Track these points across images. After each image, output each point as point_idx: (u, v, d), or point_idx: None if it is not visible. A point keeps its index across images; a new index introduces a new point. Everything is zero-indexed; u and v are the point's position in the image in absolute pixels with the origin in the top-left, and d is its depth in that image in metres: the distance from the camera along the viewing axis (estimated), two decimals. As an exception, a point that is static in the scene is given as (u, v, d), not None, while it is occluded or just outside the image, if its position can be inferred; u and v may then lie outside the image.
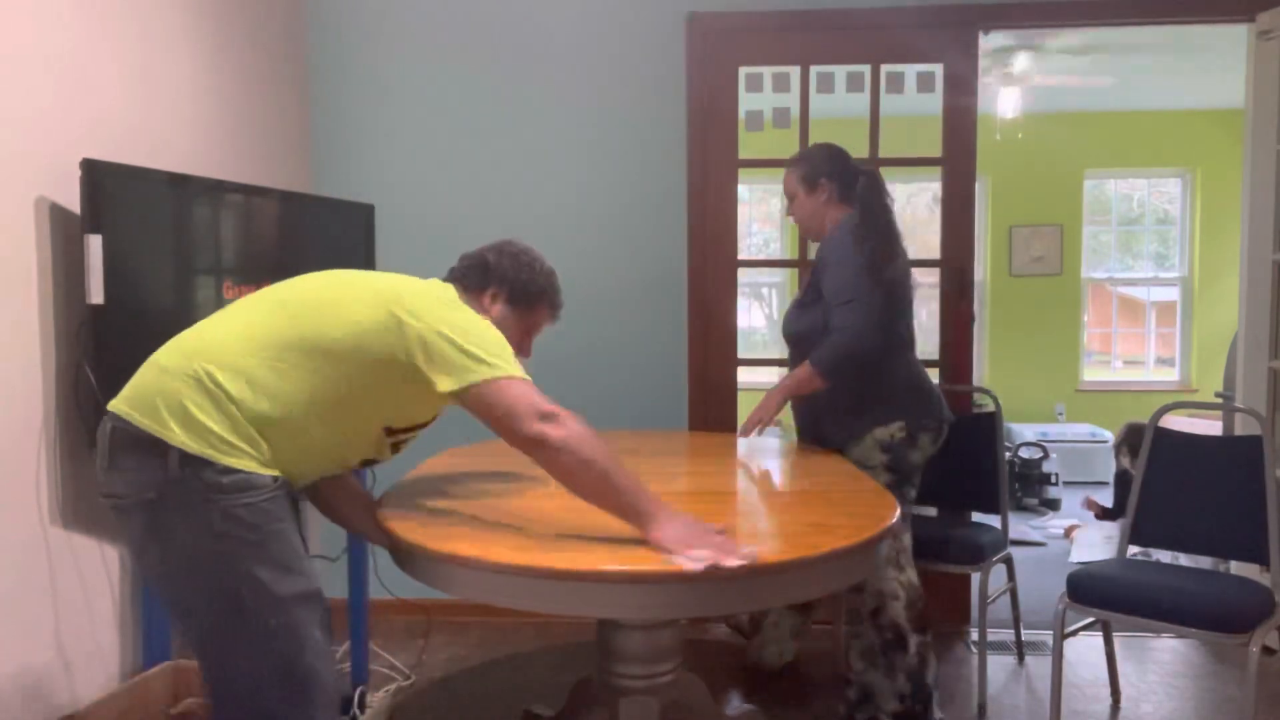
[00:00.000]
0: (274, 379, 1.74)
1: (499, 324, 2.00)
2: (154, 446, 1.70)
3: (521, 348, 2.11)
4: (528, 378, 1.81)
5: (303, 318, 1.80)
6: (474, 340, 1.79)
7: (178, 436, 1.69)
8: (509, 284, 2.07)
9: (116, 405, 1.76)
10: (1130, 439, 5.00)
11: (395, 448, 1.96)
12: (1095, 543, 5.06)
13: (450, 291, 1.96)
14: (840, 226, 2.79)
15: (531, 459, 1.76)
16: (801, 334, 2.82)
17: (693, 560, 1.59)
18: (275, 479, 1.75)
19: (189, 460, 1.69)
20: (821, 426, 2.83)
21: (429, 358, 1.77)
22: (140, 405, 1.73)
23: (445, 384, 1.76)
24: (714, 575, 1.58)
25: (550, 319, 2.16)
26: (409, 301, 1.82)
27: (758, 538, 1.76)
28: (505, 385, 1.76)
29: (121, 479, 1.74)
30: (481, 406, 1.77)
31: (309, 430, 1.78)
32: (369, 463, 1.99)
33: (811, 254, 3.05)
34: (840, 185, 2.85)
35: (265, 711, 1.75)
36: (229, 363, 1.74)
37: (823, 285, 2.74)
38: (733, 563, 1.59)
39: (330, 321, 1.79)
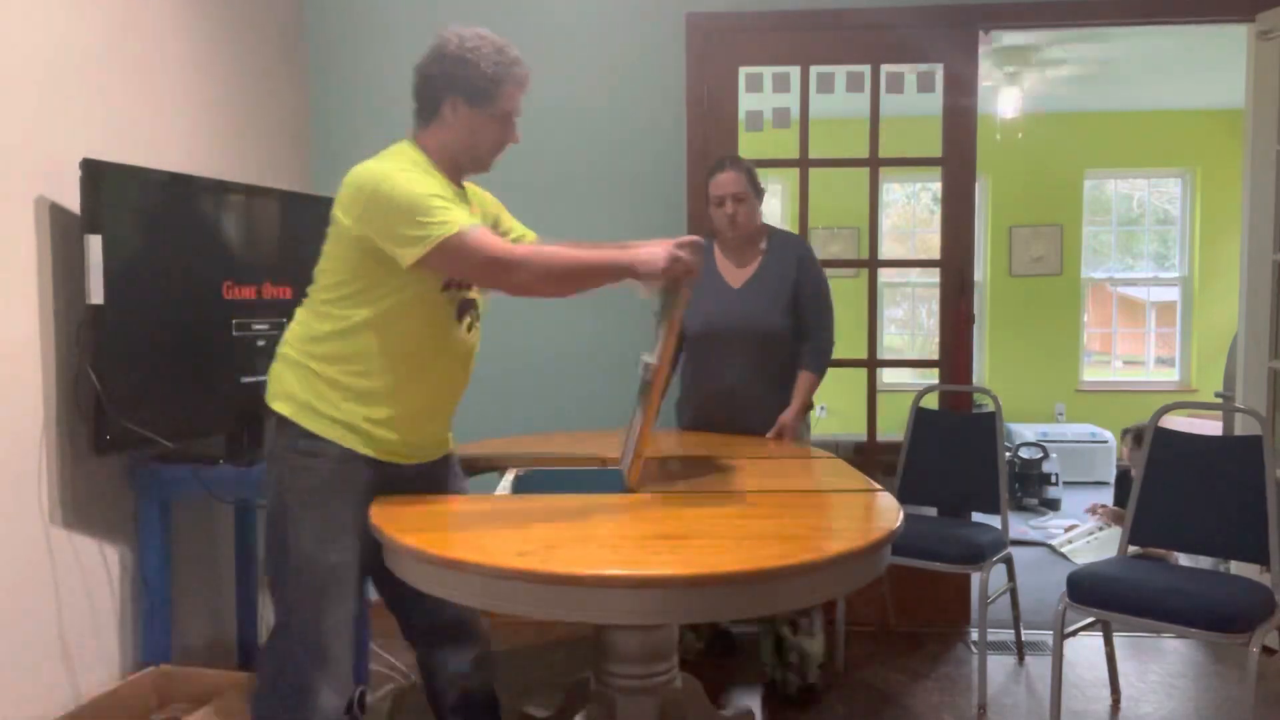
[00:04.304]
0: (328, 324, 1.98)
1: (470, 133, 2.01)
2: (270, 415, 2.03)
3: (506, 136, 2.07)
4: (472, 223, 1.88)
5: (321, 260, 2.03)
6: (405, 213, 1.86)
7: (279, 405, 2.01)
8: (460, 88, 1.98)
9: None
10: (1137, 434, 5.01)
11: (462, 286, 2.03)
12: (1087, 532, 5.08)
13: (388, 164, 1.96)
14: (795, 239, 3.18)
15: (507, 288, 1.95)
16: (773, 332, 3.02)
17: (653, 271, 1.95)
18: (348, 454, 1.96)
19: (283, 423, 2.00)
20: (747, 419, 3.00)
21: (383, 240, 1.89)
22: (267, 390, 2.07)
23: (408, 257, 1.86)
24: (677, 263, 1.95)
25: (521, 93, 2.05)
26: (344, 201, 1.96)
27: (760, 541, 1.76)
28: (432, 256, 1.85)
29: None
30: (448, 262, 1.89)
31: (390, 335, 1.95)
32: (466, 308, 2.07)
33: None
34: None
35: (279, 663, 1.97)
36: (303, 333, 2.02)
37: (804, 289, 3.04)
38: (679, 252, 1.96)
39: (321, 266, 2.02)
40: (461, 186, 2.11)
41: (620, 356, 3.75)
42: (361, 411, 1.98)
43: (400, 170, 1.92)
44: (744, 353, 3.00)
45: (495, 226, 2.19)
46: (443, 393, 2.11)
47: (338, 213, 1.96)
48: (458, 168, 2.07)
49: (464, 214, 1.91)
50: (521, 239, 2.25)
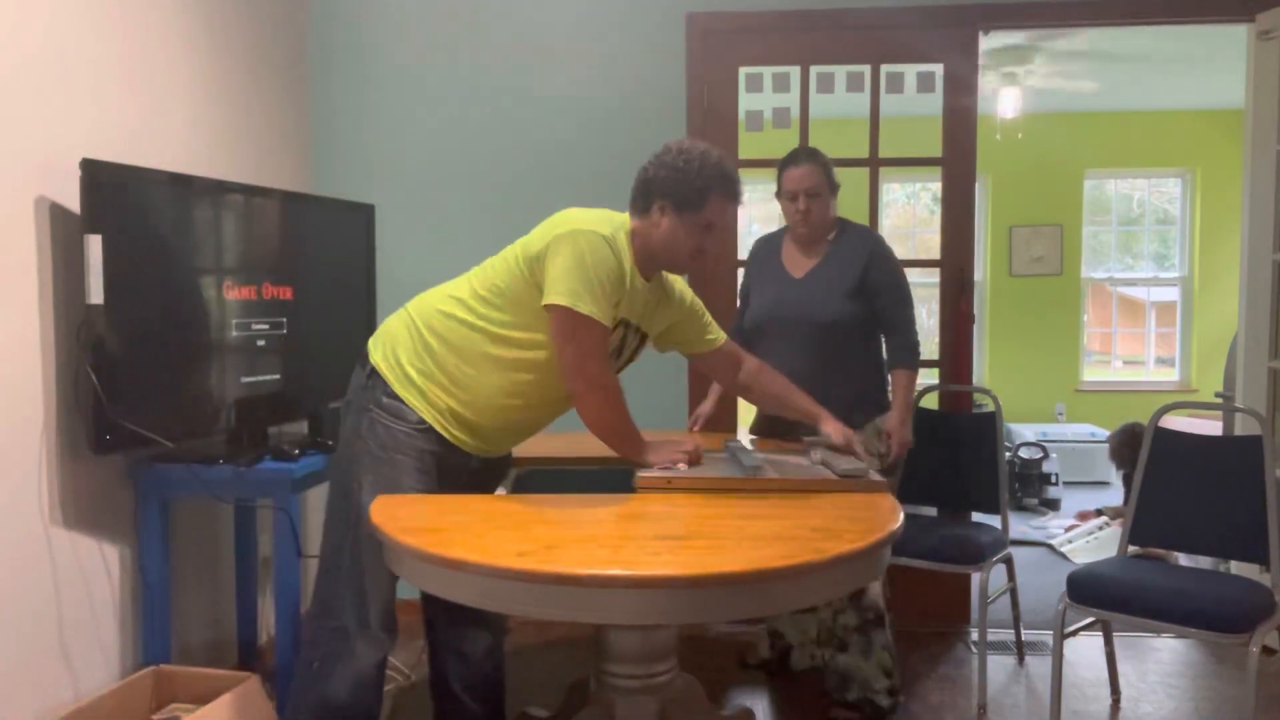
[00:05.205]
0: (463, 312, 2.11)
1: (670, 236, 2.12)
2: (364, 363, 2.19)
3: (704, 245, 2.16)
4: (599, 321, 2.00)
5: (485, 267, 2.17)
6: (565, 271, 1.98)
7: (378, 358, 2.16)
8: (670, 194, 2.10)
9: None
10: (1120, 446, 5.03)
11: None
12: (1086, 532, 5.09)
13: (603, 225, 2.06)
14: (867, 231, 3.06)
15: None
16: (834, 320, 2.91)
17: (653, 469, 2.16)
18: (423, 423, 2.10)
19: (374, 375, 2.14)
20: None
21: (548, 271, 2.02)
22: (375, 336, 2.23)
23: (549, 295, 1.99)
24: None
25: (730, 208, 2.15)
26: (548, 225, 2.10)
27: (761, 542, 1.76)
28: (564, 315, 1.99)
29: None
30: (561, 326, 2.02)
31: (503, 361, 2.09)
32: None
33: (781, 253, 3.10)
34: None
35: (322, 603, 2.11)
36: (437, 303, 2.16)
37: (877, 281, 2.93)
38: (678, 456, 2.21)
39: (495, 266, 2.15)
40: (649, 278, 2.21)
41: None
42: (448, 401, 2.12)
43: (605, 238, 2.04)
44: (805, 342, 2.90)
45: (684, 323, 2.40)
46: (525, 426, 2.23)
47: (536, 233, 2.09)
48: (652, 261, 2.18)
49: (608, 311, 2.05)
50: (718, 339, 2.48)
